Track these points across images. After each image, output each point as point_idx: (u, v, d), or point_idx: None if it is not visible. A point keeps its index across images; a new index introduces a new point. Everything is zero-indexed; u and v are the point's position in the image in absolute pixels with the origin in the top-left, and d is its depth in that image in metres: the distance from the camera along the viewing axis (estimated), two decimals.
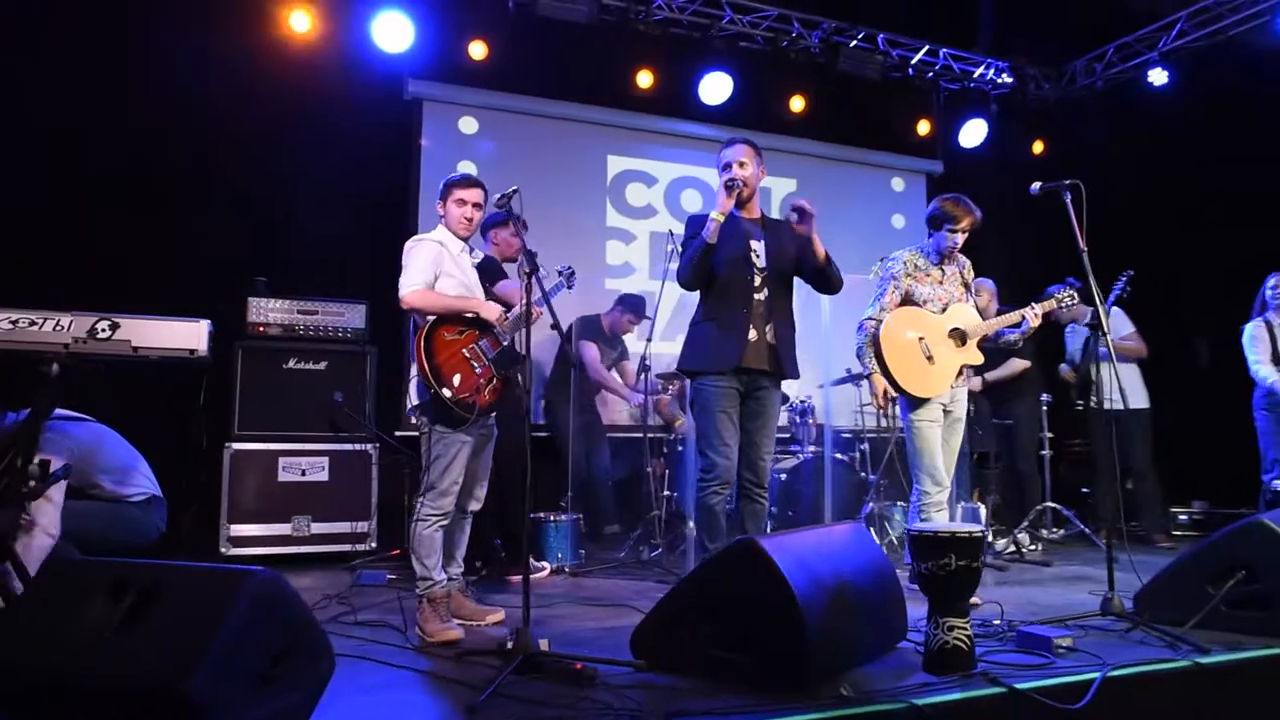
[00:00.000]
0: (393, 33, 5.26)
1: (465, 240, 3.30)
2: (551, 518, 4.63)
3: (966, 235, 3.79)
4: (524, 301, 2.91)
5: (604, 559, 4.83)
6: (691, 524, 4.40)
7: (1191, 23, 6.43)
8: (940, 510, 3.64)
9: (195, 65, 4.84)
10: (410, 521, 3.15)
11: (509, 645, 2.52)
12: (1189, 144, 6.41)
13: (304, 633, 2.02)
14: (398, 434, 5.12)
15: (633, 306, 5.27)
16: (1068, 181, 3.31)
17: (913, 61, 6.88)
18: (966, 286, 3.87)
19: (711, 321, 3.42)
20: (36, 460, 2.56)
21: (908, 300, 3.76)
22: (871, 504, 4.88)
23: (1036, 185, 3.45)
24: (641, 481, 5.47)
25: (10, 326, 2.57)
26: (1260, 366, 5.00)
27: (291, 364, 4.86)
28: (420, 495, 3.10)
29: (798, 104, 6.39)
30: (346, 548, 4.78)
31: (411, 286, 3.05)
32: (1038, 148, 7.24)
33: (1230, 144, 6.22)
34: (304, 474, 4.77)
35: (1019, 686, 2.31)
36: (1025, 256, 6.72)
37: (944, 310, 3.73)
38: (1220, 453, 5.74)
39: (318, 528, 4.76)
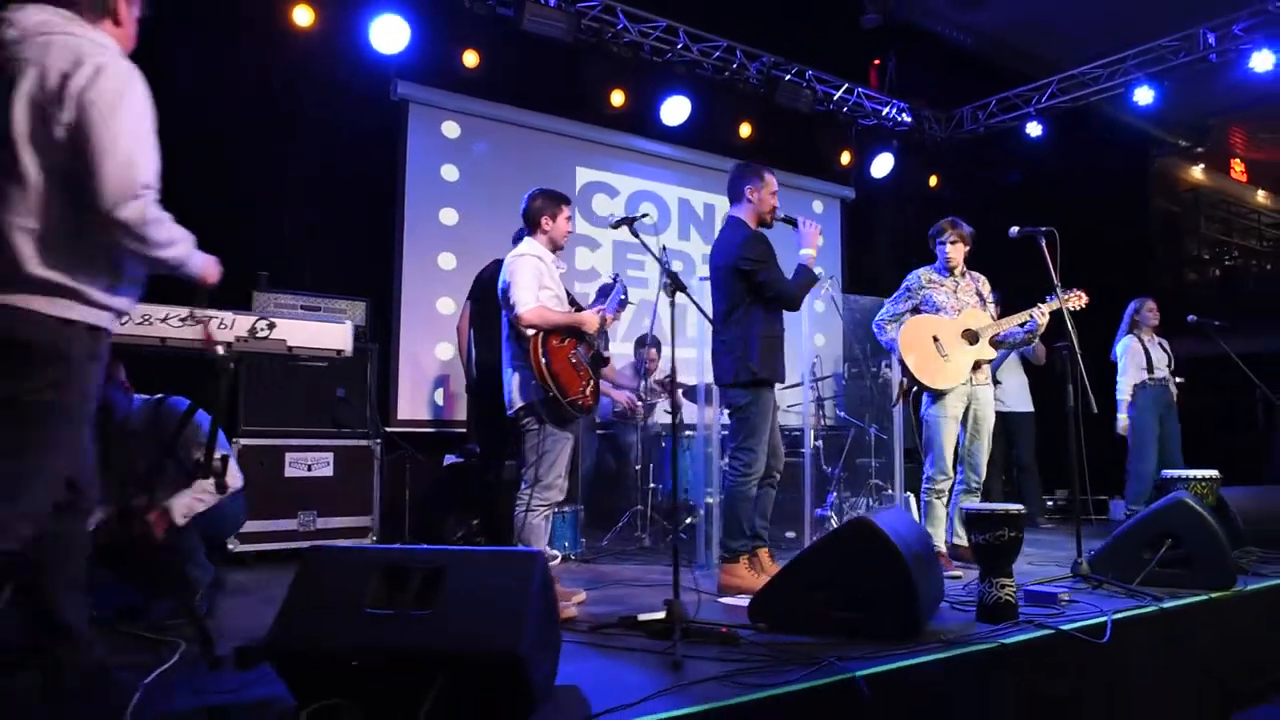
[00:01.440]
0: (389, 35, 5.35)
1: (556, 252, 3.61)
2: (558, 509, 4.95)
3: (959, 245, 4.49)
4: (604, 316, 3.33)
5: (600, 548, 5.20)
6: (700, 513, 4.89)
7: (1061, 86, 7.65)
8: (941, 497, 4.32)
9: (196, 55, 4.74)
10: (519, 512, 3.39)
11: (660, 616, 2.89)
12: (1054, 187, 7.64)
13: (555, 605, 2.34)
14: (395, 430, 5.24)
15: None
16: (1044, 229, 4.07)
17: (834, 97, 7.69)
18: (981, 296, 4.56)
19: (775, 337, 3.86)
20: (218, 456, 2.65)
21: (921, 308, 4.43)
22: (834, 494, 5.55)
23: (1015, 229, 4.20)
24: (621, 476, 5.87)
25: (180, 324, 2.65)
26: (1123, 380, 6.12)
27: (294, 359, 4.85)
28: (528, 488, 3.37)
29: (745, 130, 6.99)
30: (350, 543, 4.86)
31: (528, 305, 3.31)
32: (933, 181, 8.27)
33: (1085, 189, 7.49)
34: (310, 469, 4.80)
35: (1063, 628, 2.99)
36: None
37: (958, 314, 4.43)
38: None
39: (323, 523, 4.80)
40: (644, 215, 3.28)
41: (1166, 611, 3.38)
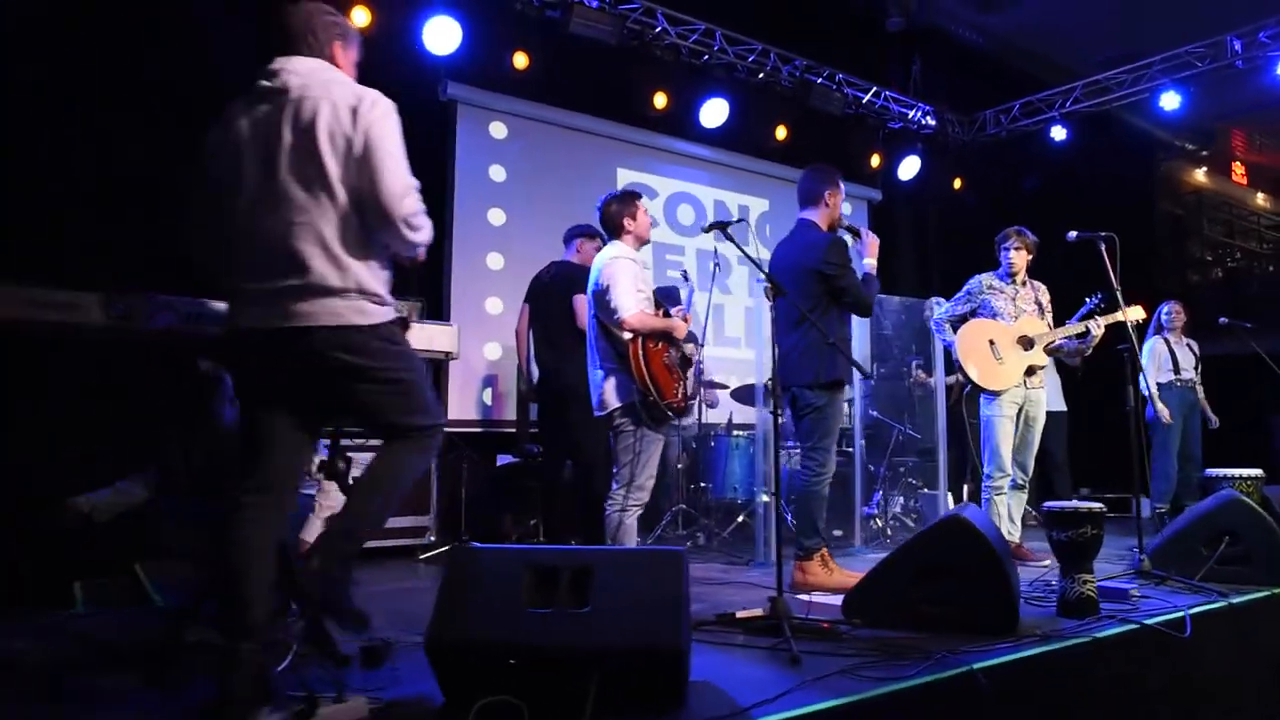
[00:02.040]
0: (442, 36, 5.39)
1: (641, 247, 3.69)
2: None
3: (1023, 253, 4.60)
4: (685, 318, 3.39)
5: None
6: (757, 512, 4.97)
7: (1085, 91, 7.78)
8: (1000, 494, 4.42)
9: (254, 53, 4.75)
10: (613, 512, 3.45)
11: (763, 612, 2.97)
12: (1076, 190, 7.77)
13: None
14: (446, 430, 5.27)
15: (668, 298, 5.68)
16: (1103, 234, 4.18)
17: (863, 100, 7.78)
18: (1040, 305, 4.67)
19: (846, 340, 3.91)
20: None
21: (979, 312, 4.54)
22: (880, 493, 5.65)
23: (1073, 234, 4.30)
24: (661, 475, 5.93)
25: None
26: (1150, 381, 6.26)
27: None
28: (621, 488, 3.43)
29: (781, 133, 7.08)
30: (408, 542, 4.92)
31: (630, 310, 3.39)
32: (956, 184, 8.38)
33: (1100, 192, 7.63)
34: (318, 472, 4.83)
35: (1147, 623, 3.08)
36: (949, 277, 7.83)
37: (1015, 321, 4.53)
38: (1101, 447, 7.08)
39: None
40: (739, 220, 3.33)
41: (1234, 607, 3.49)
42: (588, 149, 6.38)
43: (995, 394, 4.48)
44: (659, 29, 6.47)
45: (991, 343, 4.51)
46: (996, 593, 2.95)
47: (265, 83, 2.17)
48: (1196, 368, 6.33)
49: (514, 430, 5.72)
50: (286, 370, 2.11)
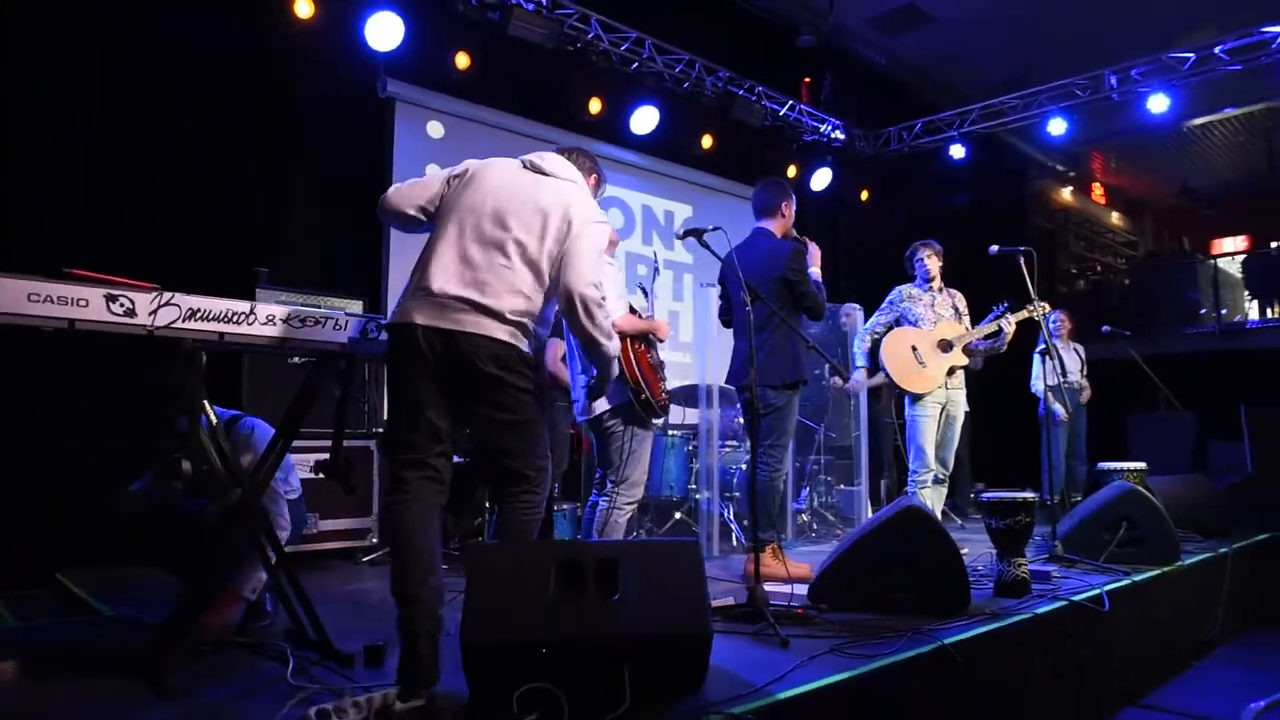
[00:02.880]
0: (384, 32, 5.31)
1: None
2: (559, 507, 5.09)
3: (936, 260, 4.96)
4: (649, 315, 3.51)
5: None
6: (686, 509, 5.15)
7: (982, 113, 8.39)
8: (925, 488, 4.75)
9: (194, 36, 4.60)
10: (605, 508, 3.53)
11: (728, 602, 3.14)
12: (969, 204, 8.38)
13: None
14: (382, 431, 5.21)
15: None
16: (1022, 248, 4.58)
17: (780, 114, 8.12)
18: (956, 310, 5.01)
19: (799, 343, 4.16)
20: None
21: (902, 321, 4.86)
22: (807, 489, 5.94)
23: (994, 248, 4.69)
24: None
25: (299, 325, 2.67)
26: (1036, 385, 6.83)
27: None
28: (614, 487, 3.52)
29: (707, 141, 7.30)
30: (350, 544, 4.83)
31: (619, 313, 3.48)
32: (864, 195, 8.86)
33: (987, 207, 8.25)
34: (317, 472, 4.72)
35: (1075, 599, 3.44)
36: (857, 283, 8.29)
37: (935, 326, 4.87)
38: (999, 445, 7.70)
39: (325, 525, 4.74)
40: (715, 228, 3.48)
41: (1137, 584, 3.92)
42: (523, 151, 6.32)
43: (919, 396, 4.82)
44: (592, 35, 6.57)
45: (914, 349, 4.84)
46: (951, 576, 3.23)
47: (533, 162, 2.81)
48: (1082, 371, 6.95)
49: None
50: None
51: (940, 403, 4.88)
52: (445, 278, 2.46)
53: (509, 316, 2.45)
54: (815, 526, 6.05)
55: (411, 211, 2.72)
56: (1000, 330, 4.94)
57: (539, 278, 2.53)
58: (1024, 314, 4.89)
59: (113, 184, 4.50)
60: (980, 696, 2.87)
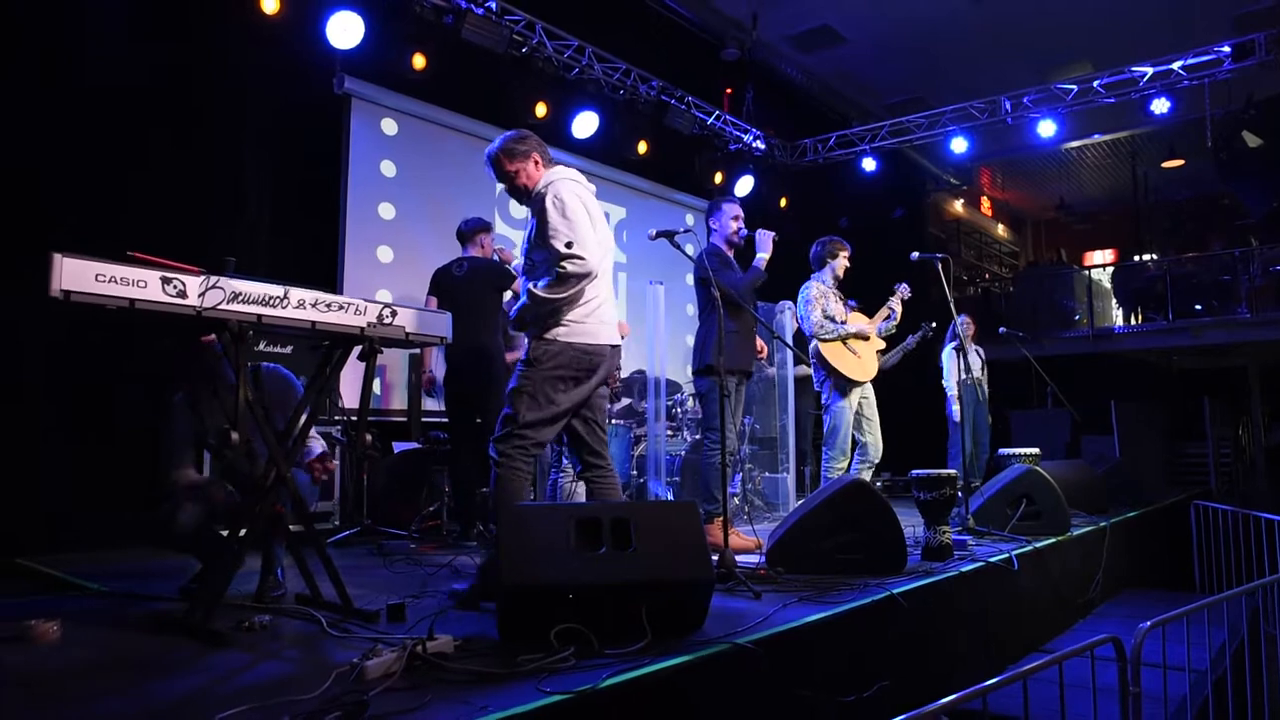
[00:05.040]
0: (345, 31, 5.44)
1: None
2: None
3: (846, 262, 5.44)
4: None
5: None
6: (630, 492, 5.49)
7: (891, 129, 9.09)
8: (838, 473, 5.20)
9: (158, 31, 4.65)
10: (565, 482, 3.84)
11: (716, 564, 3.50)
12: (876, 214, 9.07)
13: None
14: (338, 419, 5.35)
15: None
16: (939, 255, 5.13)
17: (707, 123, 8.58)
18: (846, 304, 5.50)
19: (736, 332, 4.58)
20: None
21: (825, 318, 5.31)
22: (739, 474, 6.38)
23: (915, 254, 5.22)
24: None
25: (325, 309, 2.89)
26: (949, 381, 7.52)
27: (261, 347, 4.86)
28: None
29: (642, 147, 7.67)
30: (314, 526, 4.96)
31: None
32: (783, 203, 9.42)
33: (890, 217, 8.97)
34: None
35: (990, 560, 3.98)
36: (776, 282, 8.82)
37: (846, 320, 5.32)
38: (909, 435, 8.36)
39: None
40: (686, 230, 3.84)
41: (1038, 550, 4.52)
42: (473, 151, 6.60)
43: (847, 388, 5.27)
44: (537, 40, 6.84)
45: (844, 342, 5.32)
46: (893, 541, 3.69)
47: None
48: (983, 369, 7.67)
49: (405, 419, 5.87)
50: None
51: (859, 394, 5.36)
52: None
53: None
54: (747, 510, 6.50)
55: None
56: (891, 313, 5.44)
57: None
58: (898, 295, 5.50)
59: (67, 170, 4.50)
60: (921, 637, 3.34)
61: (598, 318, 3.18)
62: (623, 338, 4.09)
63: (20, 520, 4.32)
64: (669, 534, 2.63)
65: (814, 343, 5.24)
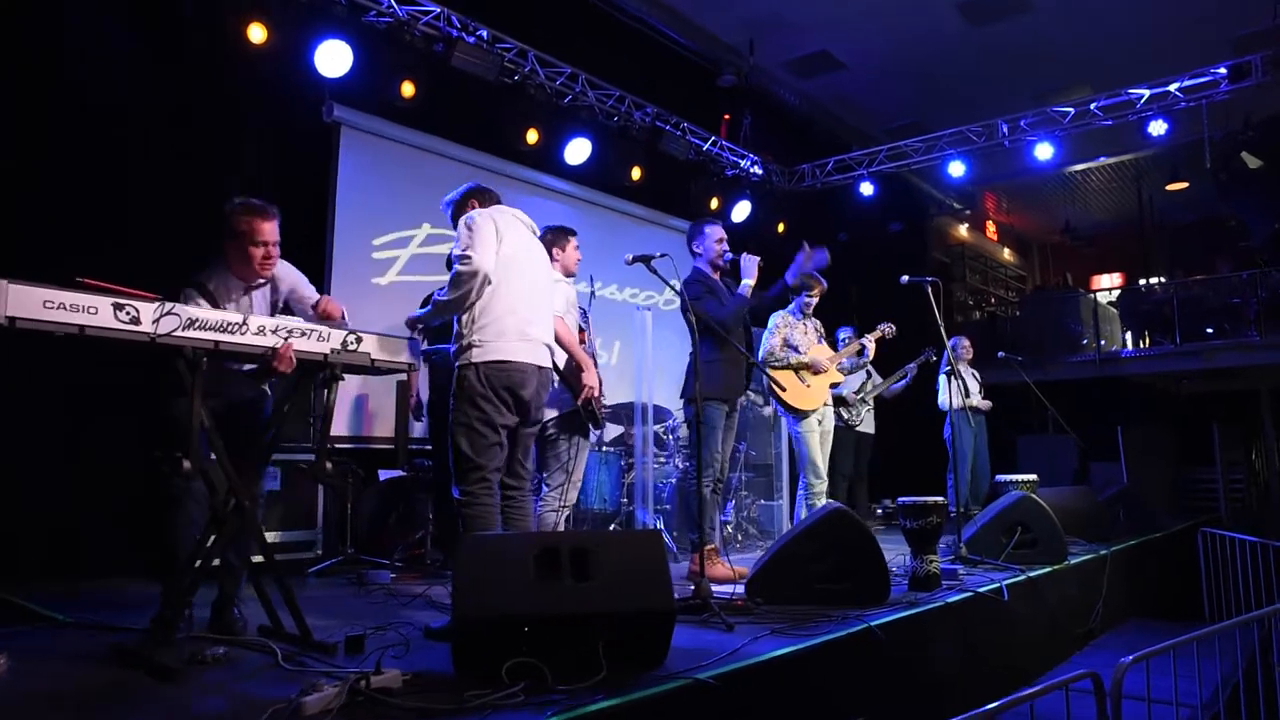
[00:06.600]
0: (333, 59, 5.47)
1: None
2: None
3: (818, 298, 5.40)
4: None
5: None
6: (619, 520, 5.42)
7: (889, 154, 9.06)
8: (819, 499, 5.11)
9: (147, 59, 4.69)
10: (544, 512, 3.78)
11: (682, 596, 3.42)
12: (875, 238, 9.02)
13: None
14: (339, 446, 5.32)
15: None
16: (930, 278, 5.07)
17: (703, 148, 8.58)
18: (819, 333, 5.44)
19: (720, 361, 4.52)
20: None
21: (784, 346, 5.22)
22: (732, 502, 6.30)
23: (905, 278, 5.16)
24: None
25: (286, 335, 2.85)
26: (950, 406, 7.42)
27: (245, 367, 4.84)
28: (552, 491, 3.78)
29: (636, 173, 7.67)
30: (297, 556, 4.90)
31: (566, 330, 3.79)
32: (781, 228, 9.38)
33: (894, 241, 8.90)
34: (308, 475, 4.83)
35: (979, 590, 3.87)
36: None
37: (809, 350, 5.25)
38: (907, 463, 8.26)
39: (271, 537, 4.80)
40: (662, 255, 3.80)
41: (1031, 579, 4.40)
42: (463, 178, 6.57)
43: (804, 414, 5.17)
44: (529, 69, 6.87)
45: (798, 372, 5.24)
46: (874, 570, 3.60)
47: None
48: (981, 393, 7.57)
49: (391, 446, 5.83)
50: None
51: (820, 419, 5.27)
52: None
53: None
54: (740, 538, 6.40)
55: None
56: (864, 349, 5.41)
57: None
58: (877, 334, 5.47)
59: (52, 196, 4.51)
60: (901, 672, 3.24)
61: (510, 336, 3.27)
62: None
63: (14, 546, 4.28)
64: (630, 564, 2.56)
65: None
